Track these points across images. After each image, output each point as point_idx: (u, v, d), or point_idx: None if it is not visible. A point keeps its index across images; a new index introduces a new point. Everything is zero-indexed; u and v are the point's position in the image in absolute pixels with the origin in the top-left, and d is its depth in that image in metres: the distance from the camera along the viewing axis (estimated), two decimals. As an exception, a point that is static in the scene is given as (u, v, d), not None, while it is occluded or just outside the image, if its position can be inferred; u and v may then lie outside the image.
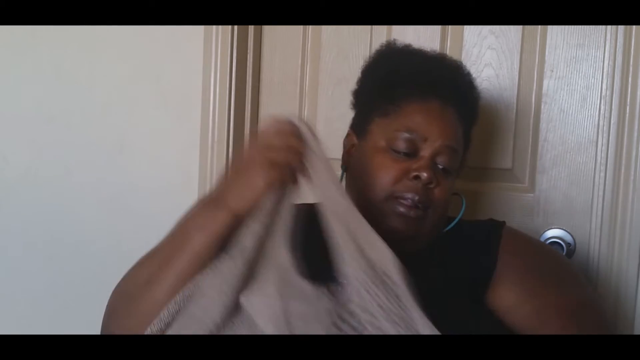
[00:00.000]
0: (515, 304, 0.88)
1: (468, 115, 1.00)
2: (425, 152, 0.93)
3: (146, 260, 0.86)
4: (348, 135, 1.03)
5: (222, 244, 0.80)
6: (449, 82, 0.98)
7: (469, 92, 1.02)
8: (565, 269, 0.98)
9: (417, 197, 0.90)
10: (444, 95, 0.95)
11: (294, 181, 0.80)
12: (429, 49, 1.04)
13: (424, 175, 0.90)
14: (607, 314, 0.98)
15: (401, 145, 0.92)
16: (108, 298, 0.90)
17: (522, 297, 0.88)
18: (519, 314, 0.87)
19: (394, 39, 1.08)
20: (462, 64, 1.05)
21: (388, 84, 0.98)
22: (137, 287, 0.83)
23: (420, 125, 0.93)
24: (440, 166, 0.94)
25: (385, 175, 0.91)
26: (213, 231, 0.80)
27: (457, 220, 1.00)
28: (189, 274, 0.79)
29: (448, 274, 0.92)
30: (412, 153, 0.93)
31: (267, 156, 0.78)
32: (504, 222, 1.00)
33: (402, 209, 0.90)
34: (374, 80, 1.01)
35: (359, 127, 1.00)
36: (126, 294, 0.86)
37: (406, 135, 0.92)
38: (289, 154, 0.78)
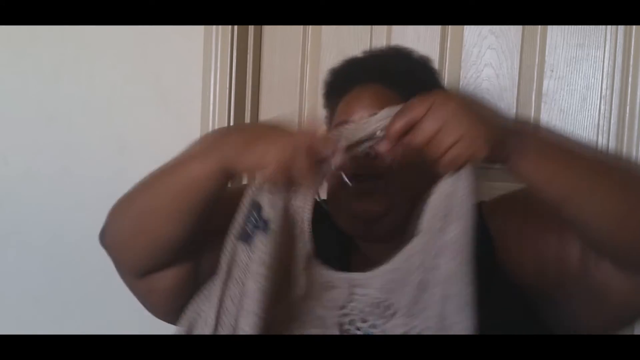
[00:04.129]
0: (524, 249, 0.81)
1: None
2: None
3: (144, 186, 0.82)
4: None
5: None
6: (393, 70, 0.91)
7: (420, 79, 0.92)
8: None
9: (359, 170, 0.82)
10: (383, 80, 0.88)
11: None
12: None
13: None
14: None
15: None
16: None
17: (527, 239, 0.80)
18: (535, 256, 0.80)
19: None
20: (423, 57, 0.96)
21: (332, 82, 0.96)
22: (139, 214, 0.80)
23: (351, 110, 0.87)
24: None
25: None
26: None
27: None
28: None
29: None
30: None
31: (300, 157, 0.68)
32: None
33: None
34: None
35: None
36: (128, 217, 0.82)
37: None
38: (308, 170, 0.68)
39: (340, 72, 0.97)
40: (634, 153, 1.24)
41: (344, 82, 0.93)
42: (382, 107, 0.75)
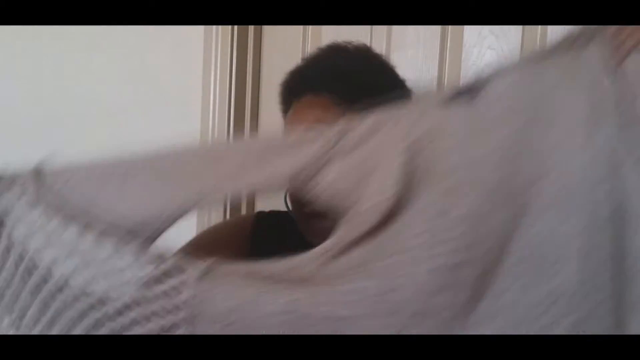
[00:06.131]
0: None
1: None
2: None
3: None
4: None
5: None
6: (334, 73, 0.91)
7: (359, 75, 0.92)
8: None
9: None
10: (322, 89, 0.89)
11: None
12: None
13: None
14: None
15: None
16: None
17: None
18: None
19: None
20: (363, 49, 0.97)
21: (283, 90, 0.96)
22: None
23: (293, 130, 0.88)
24: None
25: None
26: None
27: None
28: None
29: None
30: None
31: None
32: None
33: None
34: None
35: None
36: None
37: None
38: None
39: (284, 86, 0.97)
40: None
41: (287, 97, 0.94)
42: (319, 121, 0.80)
